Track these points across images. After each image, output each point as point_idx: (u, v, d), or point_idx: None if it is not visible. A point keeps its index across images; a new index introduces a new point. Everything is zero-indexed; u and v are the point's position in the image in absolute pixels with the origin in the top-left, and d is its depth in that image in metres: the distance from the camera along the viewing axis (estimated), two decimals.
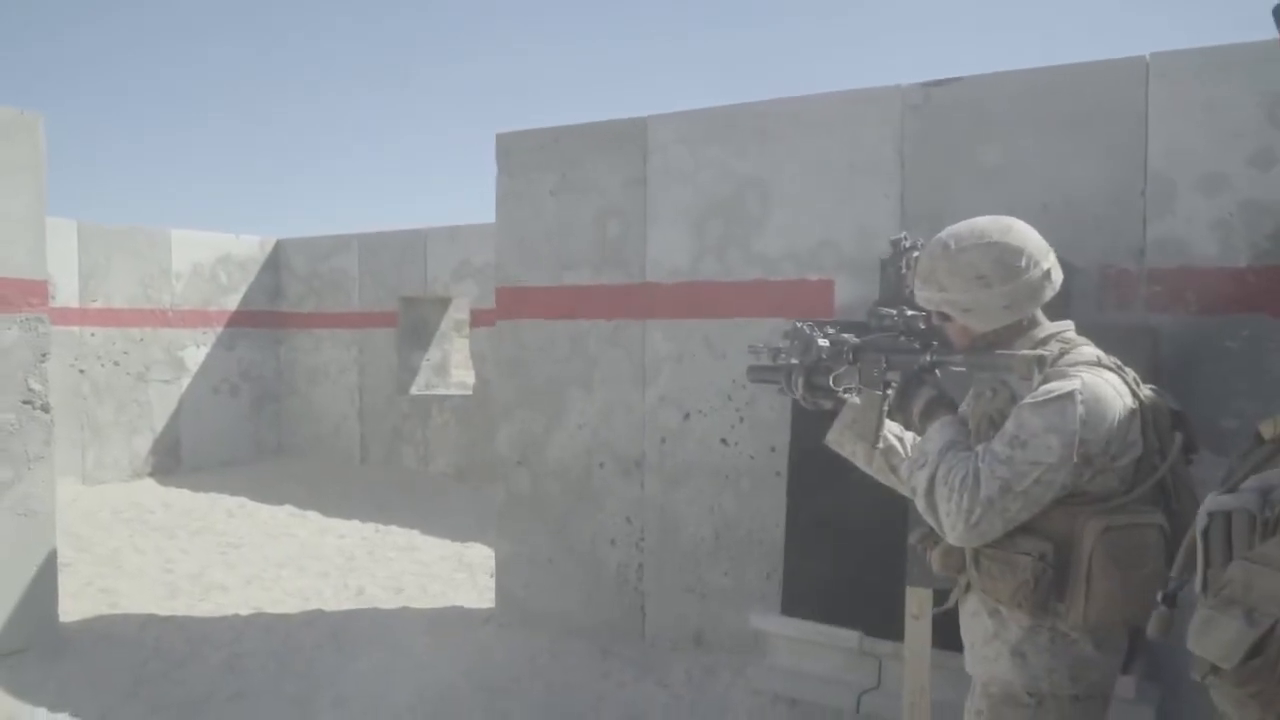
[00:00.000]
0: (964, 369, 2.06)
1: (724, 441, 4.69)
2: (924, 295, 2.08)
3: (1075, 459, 1.83)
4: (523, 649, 4.95)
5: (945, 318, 2.08)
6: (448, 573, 6.66)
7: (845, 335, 2.18)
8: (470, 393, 10.25)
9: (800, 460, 4.17)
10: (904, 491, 2.13)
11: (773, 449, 4.50)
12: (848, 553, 3.92)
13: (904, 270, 2.18)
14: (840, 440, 2.24)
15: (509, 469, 5.38)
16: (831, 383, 2.18)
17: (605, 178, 5.03)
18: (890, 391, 2.12)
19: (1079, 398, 1.85)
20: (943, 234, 2.07)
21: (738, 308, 4.64)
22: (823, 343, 2.17)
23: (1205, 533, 1.28)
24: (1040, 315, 2.06)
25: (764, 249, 4.59)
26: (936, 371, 2.09)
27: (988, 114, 4.04)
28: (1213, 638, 1.19)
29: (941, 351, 2.07)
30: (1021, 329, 2.04)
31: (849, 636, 3.93)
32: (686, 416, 4.79)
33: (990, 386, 2.05)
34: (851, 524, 3.89)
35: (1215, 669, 1.20)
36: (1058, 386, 1.88)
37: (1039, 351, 1.95)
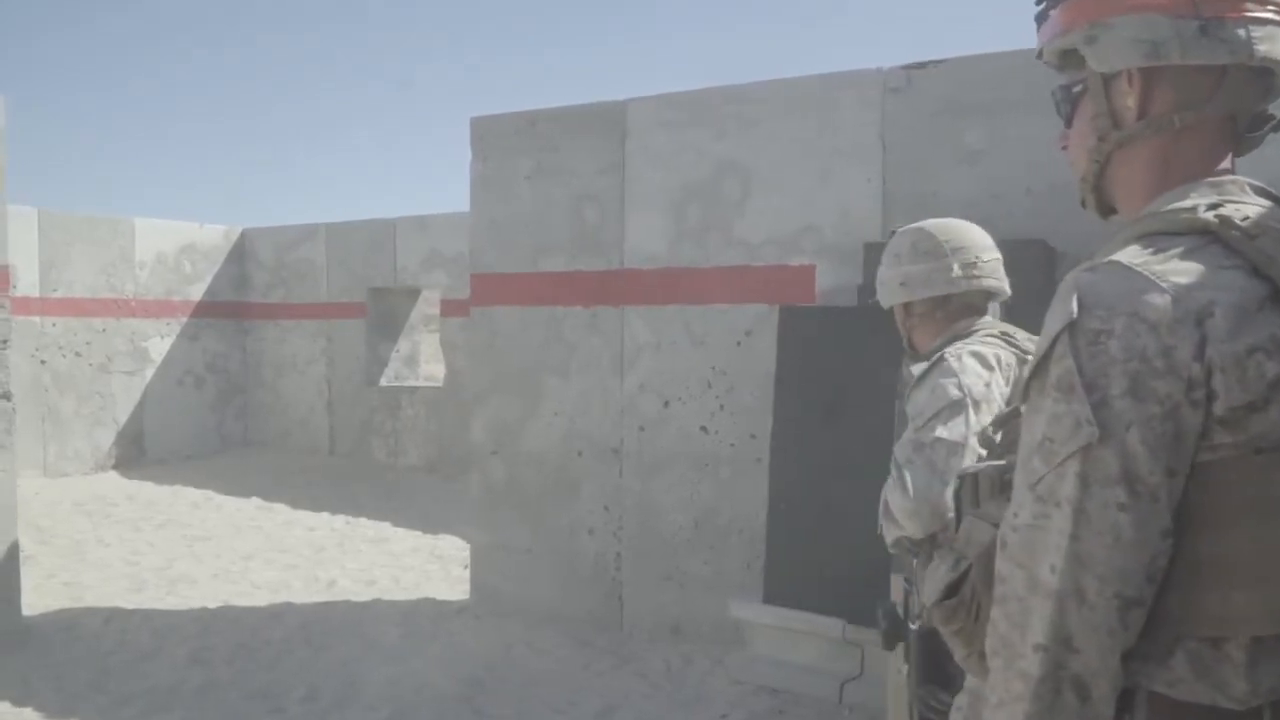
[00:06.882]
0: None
1: (704, 429, 4.64)
2: (891, 274, 2.21)
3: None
4: (499, 640, 4.88)
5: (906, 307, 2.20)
6: (420, 564, 6.57)
7: None
8: (440, 384, 10.13)
9: (782, 448, 4.13)
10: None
11: (753, 436, 4.45)
12: (830, 540, 3.88)
13: None
14: None
15: (484, 457, 5.31)
16: None
17: (582, 162, 4.96)
18: None
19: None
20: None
21: (718, 294, 4.58)
22: None
23: (957, 493, 1.37)
24: (987, 319, 2.17)
25: (744, 234, 4.54)
26: None
27: (970, 97, 4.01)
28: (928, 582, 1.34)
29: None
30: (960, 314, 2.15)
31: (832, 625, 3.90)
32: (666, 404, 4.74)
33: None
34: (834, 511, 3.86)
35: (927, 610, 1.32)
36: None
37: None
